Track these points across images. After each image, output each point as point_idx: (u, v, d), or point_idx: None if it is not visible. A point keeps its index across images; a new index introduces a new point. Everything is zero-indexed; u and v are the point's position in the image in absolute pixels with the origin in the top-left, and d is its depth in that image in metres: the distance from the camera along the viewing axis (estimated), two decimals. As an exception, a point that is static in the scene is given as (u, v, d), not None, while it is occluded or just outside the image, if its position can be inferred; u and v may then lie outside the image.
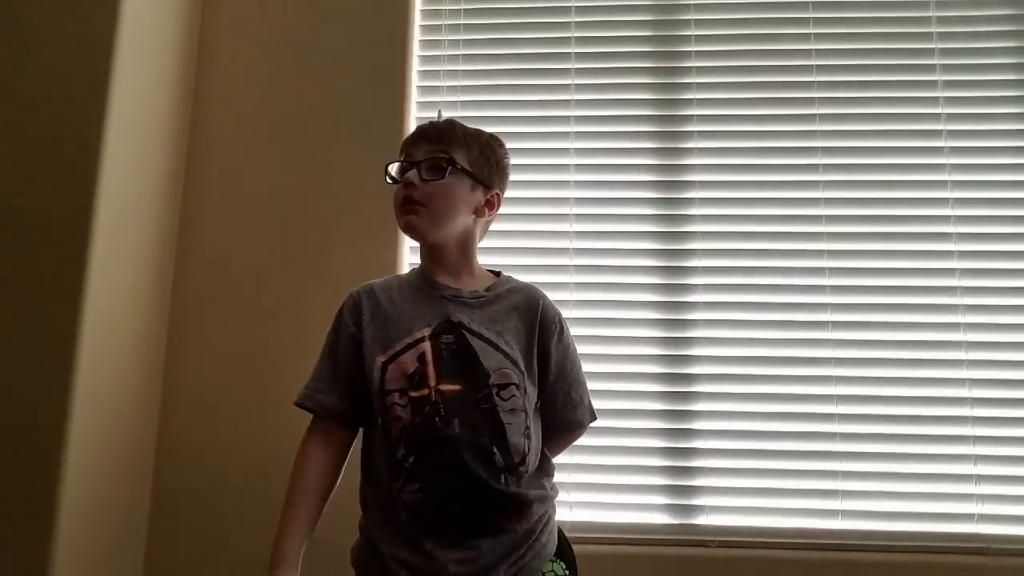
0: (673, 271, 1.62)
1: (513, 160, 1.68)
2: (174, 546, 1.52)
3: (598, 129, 1.69)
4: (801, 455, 1.52)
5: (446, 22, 1.76)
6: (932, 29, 1.68)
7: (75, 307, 1.29)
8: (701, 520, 1.51)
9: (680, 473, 1.54)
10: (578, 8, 1.75)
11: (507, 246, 1.63)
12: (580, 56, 1.73)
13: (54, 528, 1.23)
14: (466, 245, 1.12)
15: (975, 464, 1.50)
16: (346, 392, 1.05)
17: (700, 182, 1.65)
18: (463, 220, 1.09)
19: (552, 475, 1.08)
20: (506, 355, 1.01)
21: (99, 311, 1.33)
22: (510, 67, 1.74)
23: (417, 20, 1.76)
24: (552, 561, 1.03)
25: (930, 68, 1.67)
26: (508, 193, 1.70)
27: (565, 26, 1.75)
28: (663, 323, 1.60)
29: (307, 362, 1.57)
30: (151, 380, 1.55)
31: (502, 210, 1.66)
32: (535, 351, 1.05)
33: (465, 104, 1.73)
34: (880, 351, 1.55)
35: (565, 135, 1.69)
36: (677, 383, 1.57)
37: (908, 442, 1.51)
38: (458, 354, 1.00)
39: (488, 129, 1.68)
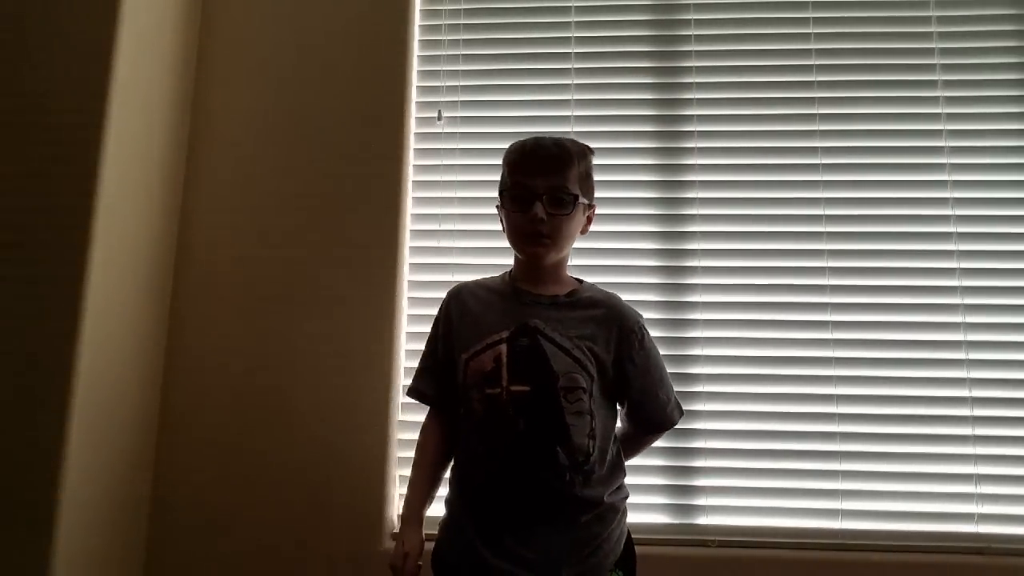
0: (673, 271, 1.62)
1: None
2: (174, 547, 1.52)
3: (598, 129, 1.69)
4: (801, 455, 1.53)
5: (446, 22, 1.76)
6: (932, 29, 1.68)
7: (75, 307, 1.29)
8: (702, 520, 1.51)
9: (681, 473, 1.54)
10: (578, 8, 1.75)
11: (508, 246, 1.63)
12: (580, 56, 1.73)
13: (54, 529, 1.23)
14: (564, 258, 1.18)
15: (975, 464, 1.50)
16: (442, 384, 1.16)
17: (700, 182, 1.65)
18: (575, 240, 1.17)
19: (621, 482, 1.13)
20: (576, 360, 1.07)
21: (99, 311, 1.33)
22: (510, 67, 1.74)
23: (417, 20, 1.76)
24: (612, 571, 1.07)
25: (930, 68, 1.67)
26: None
27: (565, 26, 1.75)
28: (663, 323, 1.60)
29: (306, 362, 1.58)
30: (151, 380, 1.55)
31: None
32: (612, 359, 1.10)
33: (465, 104, 1.73)
34: (880, 351, 1.55)
35: (565, 135, 1.68)
36: (677, 383, 1.56)
37: (908, 442, 1.52)
38: (530, 357, 1.07)
39: (488, 129, 1.72)
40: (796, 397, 1.55)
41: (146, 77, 1.51)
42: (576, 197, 1.10)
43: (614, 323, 1.12)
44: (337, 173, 1.65)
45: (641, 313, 1.57)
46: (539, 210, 1.07)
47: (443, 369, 1.16)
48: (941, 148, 1.63)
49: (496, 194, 1.19)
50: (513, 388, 1.05)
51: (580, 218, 1.14)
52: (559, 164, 1.10)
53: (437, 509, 1.18)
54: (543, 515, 1.03)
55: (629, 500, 1.51)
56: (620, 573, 1.08)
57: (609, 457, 1.10)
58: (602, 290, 1.19)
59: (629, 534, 1.14)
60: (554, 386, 1.04)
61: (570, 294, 1.14)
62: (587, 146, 1.19)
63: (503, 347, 1.07)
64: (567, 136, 1.19)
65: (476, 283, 1.21)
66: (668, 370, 1.56)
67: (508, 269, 1.21)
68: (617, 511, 1.09)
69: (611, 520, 1.07)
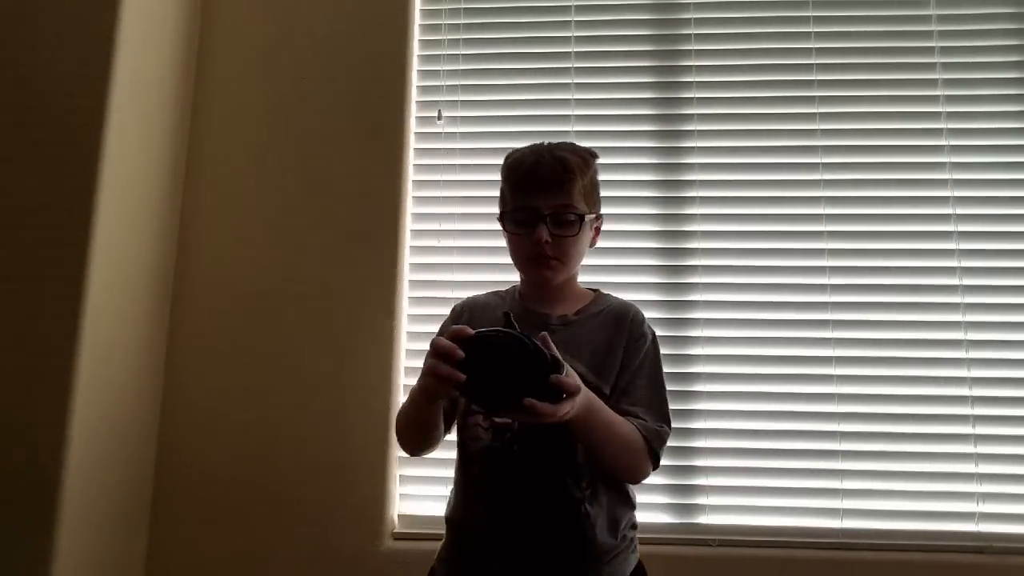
0: (673, 271, 1.62)
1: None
2: (174, 546, 1.52)
3: (598, 128, 1.69)
4: (802, 454, 1.52)
5: (446, 22, 1.76)
6: (932, 28, 1.68)
7: (75, 307, 1.29)
8: (703, 519, 1.51)
9: (681, 472, 1.54)
10: (578, 7, 1.75)
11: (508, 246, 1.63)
12: (580, 56, 1.73)
13: (55, 529, 1.23)
14: (574, 275, 1.11)
15: (976, 464, 1.50)
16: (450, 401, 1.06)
17: (700, 181, 1.65)
18: (584, 256, 1.10)
19: (627, 515, 1.04)
20: (588, 383, 0.97)
21: (99, 311, 1.33)
22: (510, 66, 1.74)
23: (417, 20, 1.76)
24: None
25: (930, 67, 1.67)
26: (508, 193, 1.70)
27: (565, 25, 1.75)
28: (663, 322, 1.59)
29: (306, 362, 1.58)
30: (152, 380, 1.55)
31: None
32: (621, 360, 1.03)
33: (465, 104, 1.73)
34: (881, 350, 1.55)
35: (565, 135, 1.68)
36: (677, 382, 1.57)
37: (909, 441, 1.51)
38: None
39: (487, 129, 1.71)
40: (796, 396, 1.55)
41: (146, 77, 1.51)
42: (582, 217, 1.03)
43: (624, 326, 1.05)
44: (337, 173, 1.65)
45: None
46: (544, 232, 1.01)
47: None
48: (942, 147, 1.63)
49: (492, 201, 1.12)
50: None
51: (588, 234, 1.08)
52: (563, 181, 1.02)
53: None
54: (546, 540, 0.96)
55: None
56: None
57: (618, 484, 1.03)
58: (617, 299, 1.12)
59: (640, 563, 1.07)
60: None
61: (580, 311, 1.07)
62: (591, 152, 1.10)
63: None
64: (566, 140, 1.10)
65: (486, 298, 1.13)
66: (667, 369, 1.54)
67: (515, 285, 1.14)
68: (619, 542, 1.02)
69: (609, 553, 1.00)
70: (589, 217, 1.06)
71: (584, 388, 0.88)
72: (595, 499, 0.99)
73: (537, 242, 1.01)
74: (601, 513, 0.99)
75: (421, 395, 0.94)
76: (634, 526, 1.06)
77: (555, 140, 1.13)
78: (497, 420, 1.00)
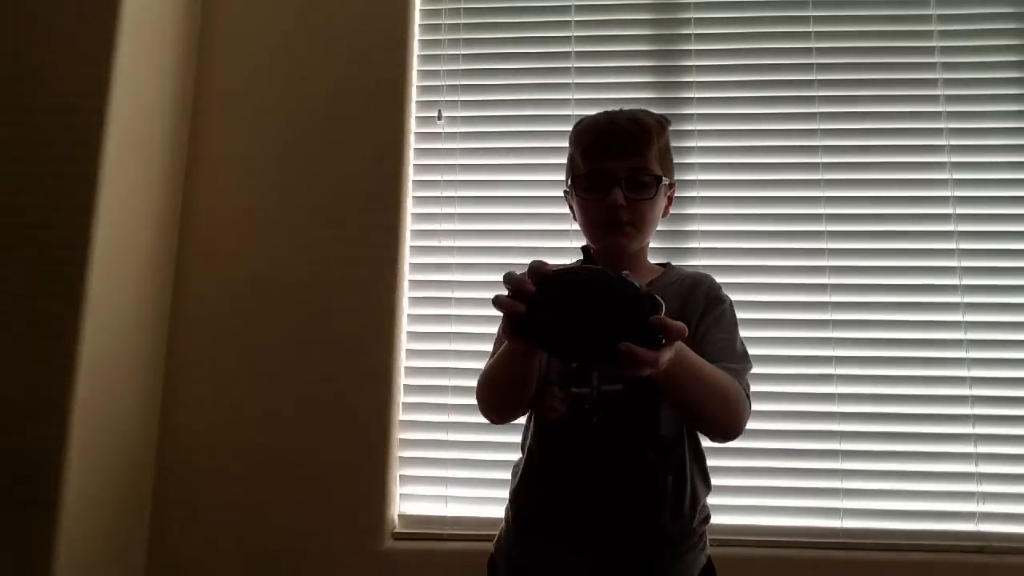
0: (673, 270, 1.62)
1: (512, 160, 1.70)
2: (174, 546, 1.52)
3: (598, 128, 1.69)
4: (802, 454, 1.52)
5: (446, 21, 1.76)
6: (932, 28, 1.68)
7: (75, 307, 1.29)
8: (702, 519, 1.51)
9: (681, 472, 1.54)
10: (578, 7, 1.75)
11: (509, 245, 1.64)
12: (580, 55, 1.73)
13: (56, 529, 1.23)
14: (645, 245, 1.07)
15: (976, 464, 1.50)
16: None
17: (700, 181, 1.65)
18: (657, 225, 1.05)
19: (704, 496, 0.98)
20: None
21: (99, 311, 1.33)
22: (510, 67, 1.74)
23: (417, 20, 1.76)
24: None
25: (930, 67, 1.66)
26: (509, 192, 1.71)
27: (565, 25, 1.75)
28: (664, 322, 1.59)
29: (307, 362, 1.58)
30: (152, 380, 1.55)
31: (503, 209, 1.67)
32: (697, 324, 0.97)
33: (465, 104, 1.73)
34: (881, 350, 1.55)
35: (565, 135, 1.67)
36: (678, 382, 1.57)
37: (909, 441, 1.51)
38: None
39: (487, 129, 1.71)
40: (796, 396, 1.54)
41: (146, 76, 1.51)
42: (659, 179, 0.99)
43: (700, 293, 1.00)
44: (337, 173, 1.65)
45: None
46: (618, 196, 0.96)
47: None
48: (942, 147, 1.63)
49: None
50: (604, 388, 0.94)
51: (662, 200, 1.02)
52: (638, 143, 0.98)
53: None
54: (622, 515, 0.92)
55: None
56: None
57: (700, 461, 1.00)
58: (691, 269, 1.09)
59: (709, 560, 1.01)
60: (647, 381, 0.85)
61: (652, 283, 1.02)
62: (664, 117, 1.06)
63: None
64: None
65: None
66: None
67: (577, 260, 1.08)
68: (693, 531, 0.96)
69: (685, 544, 0.95)
70: (664, 182, 1.01)
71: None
72: (678, 474, 0.93)
73: (611, 207, 0.97)
74: (681, 492, 0.93)
75: (504, 358, 0.90)
76: (707, 519, 1.00)
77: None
78: (575, 390, 0.94)
